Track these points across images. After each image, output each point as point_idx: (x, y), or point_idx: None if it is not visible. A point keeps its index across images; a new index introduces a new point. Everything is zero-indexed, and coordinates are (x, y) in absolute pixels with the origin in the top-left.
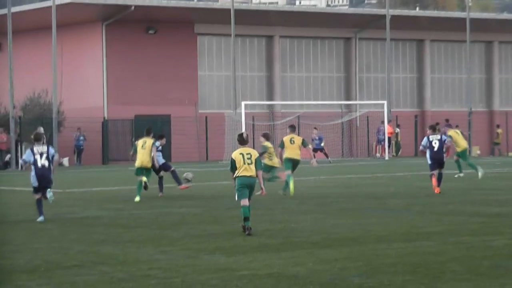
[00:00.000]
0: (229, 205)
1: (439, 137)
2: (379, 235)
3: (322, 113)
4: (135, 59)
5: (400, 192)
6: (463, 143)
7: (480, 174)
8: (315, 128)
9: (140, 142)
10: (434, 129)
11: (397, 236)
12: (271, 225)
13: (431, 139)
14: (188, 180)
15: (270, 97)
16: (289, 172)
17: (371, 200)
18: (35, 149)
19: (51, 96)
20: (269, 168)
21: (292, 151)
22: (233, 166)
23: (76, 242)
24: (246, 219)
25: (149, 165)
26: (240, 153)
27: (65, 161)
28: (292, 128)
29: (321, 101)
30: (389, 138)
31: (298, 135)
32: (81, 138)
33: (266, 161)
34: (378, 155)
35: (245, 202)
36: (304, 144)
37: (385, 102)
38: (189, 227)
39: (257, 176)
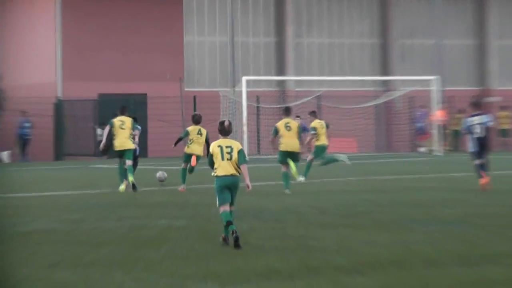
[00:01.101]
0: None
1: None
2: (427, 257)
3: (350, 92)
4: (100, 22)
5: (456, 199)
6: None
7: None
8: (298, 116)
9: (117, 122)
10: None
11: (452, 259)
12: (282, 242)
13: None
14: (161, 181)
15: (281, 70)
16: (284, 168)
17: (416, 209)
18: None
19: None
20: (319, 150)
21: (288, 140)
22: (211, 162)
23: (20, 265)
24: (228, 224)
25: (131, 146)
26: (219, 146)
27: (5, 155)
28: (287, 110)
29: (349, 77)
30: (441, 127)
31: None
32: (27, 125)
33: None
34: (423, 149)
35: (225, 208)
36: (300, 131)
37: (434, 78)
38: (172, 244)
39: (239, 173)
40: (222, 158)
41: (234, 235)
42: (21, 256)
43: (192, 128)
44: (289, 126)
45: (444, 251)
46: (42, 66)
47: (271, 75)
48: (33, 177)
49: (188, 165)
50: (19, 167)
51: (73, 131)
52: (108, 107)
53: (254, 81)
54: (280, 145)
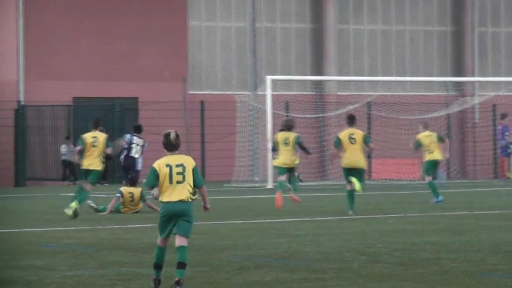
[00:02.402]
0: (243, 262)
1: None
2: None
3: (411, 98)
4: (74, 3)
5: None
6: None
7: None
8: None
9: (88, 137)
10: None
11: None
12: None
13: None
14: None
15: (318, 68)
16: (349, 187)
17: (499, 256)
18: None
19: None
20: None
21: (352, 155)
22: (152, 181)
23: None
24: (156, 266)
25: (99, 167)
26: (167, 165)
27: None
28: (351, 119)
29: (410, 77)
30: None
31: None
32: None
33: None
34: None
35: (162, 242)
36: (366, 141)
37: None
38: None
39: (192, 199)
40: (171, 181)
41: (179, 287)
42: None
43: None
44: (353, 138)
45: None
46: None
47: (306, 74)
48: None
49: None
50: None
51: (39, 147)
52: (86, 114)
53: (283, 81)
54: (343, 160)
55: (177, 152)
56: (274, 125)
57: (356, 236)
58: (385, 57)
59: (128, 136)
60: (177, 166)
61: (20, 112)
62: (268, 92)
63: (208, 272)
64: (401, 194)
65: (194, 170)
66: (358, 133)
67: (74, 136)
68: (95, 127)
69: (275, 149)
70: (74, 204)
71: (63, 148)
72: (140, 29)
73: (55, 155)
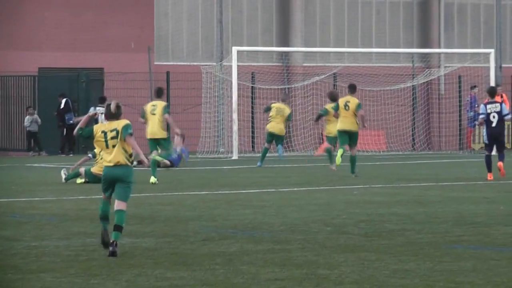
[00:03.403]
0: (208, 233)
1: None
2: None
3: (378, 69)
4: None
5: None
6: None
7: None
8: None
9: (148, 107)
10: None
11: None
12: (283, 270)
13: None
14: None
15: (284, 39)
16: (344, 147)
17: (463, 227)
18: None
19: None
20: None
21: (346, 120)
22: (87, 131)
23: None
24: (104, 219)
25: (164, 135)
26: (102, 131)
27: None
28: (353, 88)
29: (376, 48)
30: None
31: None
32: None
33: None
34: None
35: (105, 198)
36: (357, 109)
37: (491, 51)
38: (136, 273)
39: (130, 161)
40: (107, 146)
41: (111, 248)
42: None
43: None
44: (348, 105)
45: (499, 284)
46: None
47: (272, 45)
48: None
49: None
50: None
51: (4, 117)
52: (52, 85)
53: (249, 52)
54: (338, 124)
55: (116, 120)
56: (239, 96)
57: (321, 207)
58: (351, 28)
59: (91, 109)
60: (111, 131)
61: None
62: (234, 63)
63: (174, 243)
64: (366, 165)
65: (124, 128)
66: (353, 101)
67: (39, 107)
68: (158, 95)
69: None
70: (153, 179)
71: (27, 119)
72: (106, 0)
73: (20, 126)
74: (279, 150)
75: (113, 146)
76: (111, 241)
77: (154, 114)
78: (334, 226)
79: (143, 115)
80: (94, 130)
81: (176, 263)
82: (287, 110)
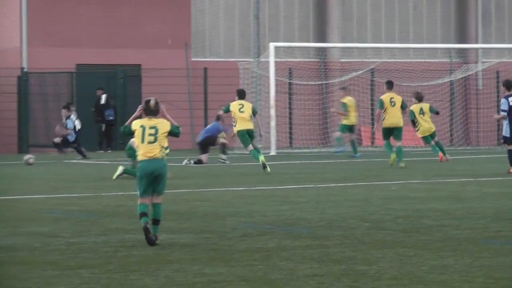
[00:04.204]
0: (246, 230)
1: None
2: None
3: (415, 65)
4: None
5: None
6: None
7: None
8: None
9: (235, 105)
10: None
11: None
12: (321, 266)
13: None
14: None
15: (322, 35)
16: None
17: (502, 223)
18: None
19: None
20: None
21: (393, 115)
22: (128, 128)
23: None
24: (142, 215)
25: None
26: (141, 126)
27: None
28: (390, 84)
29: (413, 44)
30: None
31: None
32: None
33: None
34: None
35: (144, 200)
36: (403, 106)
37: None
38: (174, 268)
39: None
40: (143, 141)
41: (149, 233)
42: None
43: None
44: (393, 101)
45: None
46: (1, 27)
47: (309, 41)
48: None
49: None
50: None
51: (42, 114)
52: (89, 82)
53: (286, 48)
54: (385, 121)
55: (155, 117)
56: (276, 92)
57: (359, 203)
58: (388, 24)
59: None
60: (151, 128)
61: (23, 79)
62: (271, 59)
63: (212, 239)
64: (404, 161)
65: (169, 131)
66: (398, 98)
67: (77, 103)
68: (241, 96)
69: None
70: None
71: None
72: None
73: (58, 122)
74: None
75: (149, 142)
76: (146, 222)
77: (242, 112)
78: (372, 222)
79: (227, 110)
80: (133, 125)
81: (214, 259)
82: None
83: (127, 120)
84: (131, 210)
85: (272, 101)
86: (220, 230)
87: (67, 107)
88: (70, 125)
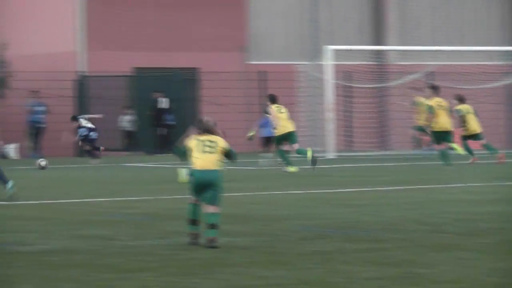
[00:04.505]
0: (304, 233)
1: None
2: None
3: (473, 67)
4: None
5: None
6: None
7: None
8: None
9: (274, 108)
10: None
11: None
12: (380, 269)
13: None
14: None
15: (379, 38)
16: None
17: None
18: None
19: None
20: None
21: (443, 119)
22: (183, 151)
23: None
24: (192, 222)
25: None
26: (198, 139)
27: (11, 150)
28: (436, 89)
29: (471, 46)
30: None
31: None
32: (40, 109)
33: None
34: None
35: (212, 208)
36: (450, 110)
37: None
38: (232, 272)
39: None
40: (199, 151)
41: (212, 243)
42: (33, 284)
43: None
44: (441, 105)
45: None
46: (59, 31)
47: (366, 44)
48: (48, 179)
49: None
50: (30, 165)
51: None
52: (147, 85)
53: (343, 52)
54: (436, 125)
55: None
56: (334, 95)
57: (416, 206)
58: (446, 26)
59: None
60: (209, 141)
61: (82, 82)
62: (329, 62)
63: (270, 242)
64: (463, 164)
65: (227, 149)
66: (444, 102)
67: (134, 106)
68: (273, 102)
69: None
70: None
71: (124, 119)
72: (199, 0)
73: (115, 125)
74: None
75: (206, 153)
76: (209, 238)
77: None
78: (430, 225)
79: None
80: (189, 142)
81: (273, 262)
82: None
83: (185, 124)
84: None
85: (330, 104)
86: (279, 233)
87: (75, 118)
88: (83, 133)
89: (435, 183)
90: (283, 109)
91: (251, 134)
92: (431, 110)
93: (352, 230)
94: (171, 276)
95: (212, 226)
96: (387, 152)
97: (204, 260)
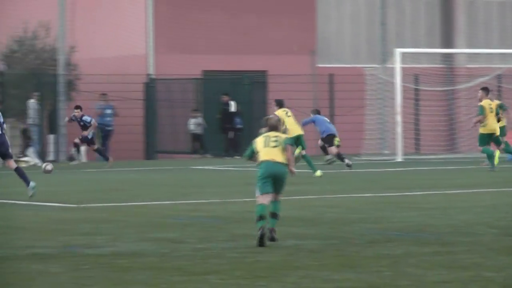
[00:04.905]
0: (373, 236)
1: None
2: None
3: None
4: None
5: None
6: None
7: None
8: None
9: (281, 112)
10: None
11: None
12: (449, 272)
13: None
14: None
15: (448, 41)
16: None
17: None
18: None
19: (56, 36)
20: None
21: (492, 121)
22: (251, 152)
23: None
24: (260, 218)
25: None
26: (264, 136)
27: (80, 152)
28: (487, 90)
29: None
30: None
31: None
32: (108, 112)
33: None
34: None
35: (265, 199)
36: (503, 108)
37: None
38: (301, 275)
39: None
40: (265, 145)
41: (270, 234)
42: (102, 286)
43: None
44: (491, 108)
45: None
46: (128, 33)
47: (435, 47)
48: (117, 181)
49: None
50: (98, 168)
51: (169, 120)
52: (215, 88)
53: (412, 54)
54: (485, 127)
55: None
56: (402, 97)
57: (486, 209)
58: None
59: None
60: (273, 137)
61: (150, 85)
62: (397, 65)
63: (339, 245)
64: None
65: (286, 138)
66: (494, 103)
67: (203, 109)
68: (280, 106)
69: None
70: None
71: (192, 122)
72: (269, 3)
73: (184, 128)
74: None
75: (272, 147)
76: (269, 228)
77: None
78: (499, 228)
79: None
80: (254, 144)
81: (341, 265)
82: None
83: (254, 127)
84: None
85: (399, 107)
86: (347, 236)
87: (79, 107)
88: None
89: (505, 186)
90: (290, 113)
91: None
92: (482, 111)
93: (421, 233)
94: (239, 279)
95: (274, 215)
96: (455, 155)
97: (272, 263)
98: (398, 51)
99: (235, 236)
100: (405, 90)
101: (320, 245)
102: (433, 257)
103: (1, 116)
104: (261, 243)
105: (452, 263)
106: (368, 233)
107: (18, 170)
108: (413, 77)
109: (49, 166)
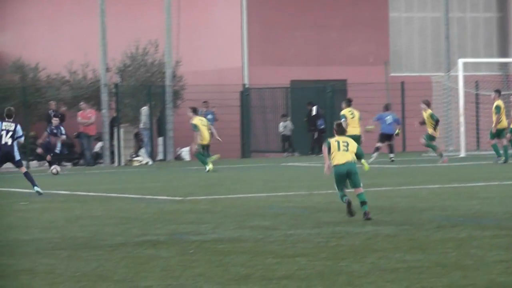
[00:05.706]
0: (440, 222)
1: None
2: None
3: None
4: (292, 0)
5: None
6: None
7: None
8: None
9: (347, 113)
10: None
11: None
12: (507, 253)
13: None
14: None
15: (504, 51)
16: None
17: None
18: (3, 125)
19: (163, 52)
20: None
21: (504, 118)
22: (328, 146)
23: (205, 278)
24: (342, 196)
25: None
26: (336, 140)
27: (185, 152)
28: (498, 92)
29: None
30: None
31: None
32: (209, 117)
33: None
34: None
35: (358, 190)
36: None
37: None
38: (378, 255)
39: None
40: (339, 149)
41: (365, 216)
42: (205, 268)
43: None
44: (499, 107)
45: None
46: (225, 48)
47: (493, 56)
48: (216, 178)
49: None
50: (200, 166)
51: (262, 123)
52: (302, 95)
53: (473, 64)
54: (499, 124)
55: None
56: (465, 102)
57: None
58: None
59: None
60: (343, 142)
61: (245, 94)
62: (460, 73)
63: (410, 230)
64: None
65: (356, 147)
66: (502, 103)
67: (291, 114)
68: (348, 104)
69: None
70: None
71: (282, 125)
72: (348, 20)
73: (275, 131)
74: None
75: (343, 151)
76: (364, 212)
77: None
78: None
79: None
80: (331, 141)
81: (413, 247)
82: None
83: (332, 129)
84: (341, 207)
85: (462, 110)
86: (417, 222)
87: (57, 115)
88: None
89: None
90: (355, 113)
91: (370, 127)
92: (498, 110)
93: (482, 219)
94: (323, 260)
95: (364, 203)
96: (511, 151)
97: (352, 246)
98: (461, 61)
99: (320, 223)
100: (467, 95)
101: (395, 230)
102: (493, 239)
103: (21, 130)
104: (349, 209)
105: (510, 245)
106: (435, 219)
107: (26, 175)
108: (474, 84)
109: (55, 170)
